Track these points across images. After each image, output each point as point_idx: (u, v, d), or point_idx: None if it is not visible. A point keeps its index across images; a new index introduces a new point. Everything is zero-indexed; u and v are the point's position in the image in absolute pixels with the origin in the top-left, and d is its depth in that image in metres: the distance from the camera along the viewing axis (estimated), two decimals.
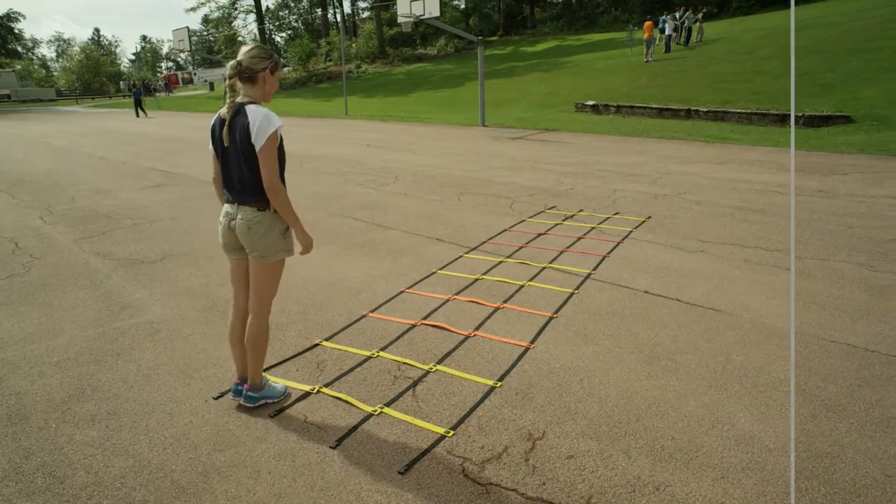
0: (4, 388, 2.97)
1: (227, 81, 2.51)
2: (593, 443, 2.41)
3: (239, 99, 2.49)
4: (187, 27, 30.42)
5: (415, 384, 2.91)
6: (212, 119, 2.61)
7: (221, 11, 55.91)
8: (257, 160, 2.45)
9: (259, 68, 2.49)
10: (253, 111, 2.43)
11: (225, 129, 2.49)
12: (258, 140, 2.41)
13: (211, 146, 2.64)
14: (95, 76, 68.40)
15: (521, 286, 4.21)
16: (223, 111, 2.51)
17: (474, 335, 3.43)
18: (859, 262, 4.48)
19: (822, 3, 27.94)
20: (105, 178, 9.81)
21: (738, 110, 14.21)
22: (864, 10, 22.24)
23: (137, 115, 27.69)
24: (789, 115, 13.18)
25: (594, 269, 4.51)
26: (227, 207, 2.64)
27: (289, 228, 2.63)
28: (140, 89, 29.46)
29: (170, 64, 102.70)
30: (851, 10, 23.16)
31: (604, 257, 4.80)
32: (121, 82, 69.15)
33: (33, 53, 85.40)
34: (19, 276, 4.75)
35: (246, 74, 2.48)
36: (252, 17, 55.50)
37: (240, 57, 2.49)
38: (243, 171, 2.50)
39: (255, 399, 2.73)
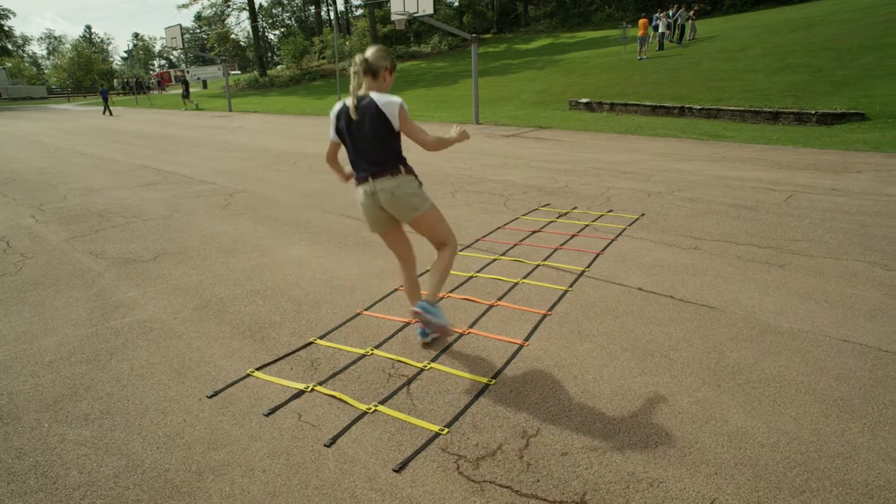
0: None
1: (354, 71, 2.92)
2: (587, 439, 2.42)
3: (361, 91, 2.93)
4: (179, 25, 30.27)
5: (409, 382, 2.91)
6: (334, 110, 3.02)
7: (214, 9, 55.68)
8: (388, 136, 2.90)
9: (381, 66, 2.92)
10: (377, 96, 2.88)
11: (352, 110, 2.89)
12: (394, 119, 2.86)
13: (333, 132, 3.03)
14: (87, 74, 67.99)
15: (515, 284, 4.21)
16: (348, 100, 2.92)
17: (468, 333, 3.44)
18: (873, 261, 4.48)
19: None
20: (97, 176, 9.75)
21: (731, 108, 14.25)
22: (875, 7, 22.33)
23: (103, 113, 28.58)
24: (782, 113, 13.24)
25: (588, 267, 4.52)
26: (363, 187, 3.00)
27: (421, 184, 3.07)
28: (107, 89, 30.85)
29: (162, 62, 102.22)
30: (862, 7, 23.24)
31: (598, 255, 4.81)
32: (114, 80, 68.75)
33: (24, 51, 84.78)
34: (11, 275, 4.72)
35: (371, 70, 2.91)
36: (245, 14, 55.31)
37: (366, 55, 2.92)
38: (376, 147, 2.92)
39: (433, 312, 3.06)
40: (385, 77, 2.94)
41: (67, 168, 10.77)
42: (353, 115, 2.88)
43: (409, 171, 3.02)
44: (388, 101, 2.84)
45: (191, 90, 34.72)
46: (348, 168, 3.19)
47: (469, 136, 3.20)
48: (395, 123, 2.87)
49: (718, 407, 2.63)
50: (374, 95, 2.87)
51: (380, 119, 2.85)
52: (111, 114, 28.83)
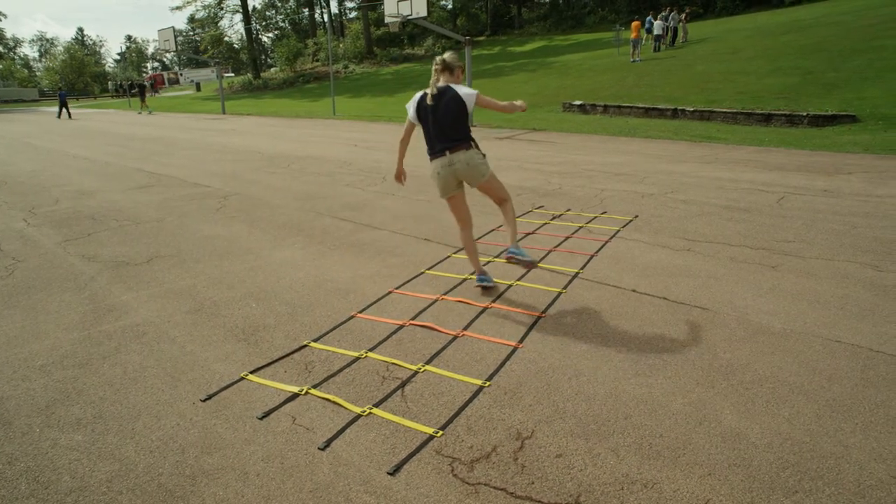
0: None
1: (434, 69, 3.83)
2: (581, 441, 2.42)
3: (440, 84, 3.78)
4: (173, 27, 30.03)
5: (403, 384, 2.91)
6: (414, 99, 3.85)
7: (207, 11, 55.50)
8: (462, 117, 3.75)
9: (455, 65, 3.83)
10: (458, 87, 3.75)
11: (429, 97, 3.74)
12: (469, 102, 3.72)
13: (414, 115, 3.85)
14: (80, 76, 67.66)
15: (510, 286, 4.22)
16: (429, 90, 3.76)
17: (462, 335, 3.44)
18: (864, 262, 4.51)
19: (825, 2, 28.22)
20: (90, 179, 9.71)
21: (724, 110, 14.34)
22: (867, 10, 22.48)
23: (59, 116, 28.57)
24: (774, 115, 13.33)
25: (582, 269, 4.53)
26: (440, 161, 3.82)
27: (485, 155, 3.91)
28: (65, 91, 30.77)
29: (155, 64, 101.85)
30: (854, 9, 23.40)
31: (591, 256, 4.82)
32: (108, 82, 68.47)
33: (15, 53, 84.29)
34: (2, 278, 4.69)
35: (448, 68, 3.81)
36: (238, 16, 55.12)
37: (444, 56, 3.82)
38: (455, 127, 3.76)
39: (520, 253, 3.90)
40: (458, 74, 3.84)
41: (59, 171, 10.71)
42: (430, 101, 3.72)
43: (476, 145, 3.87)
44: (467, 92, 3.72)
45: (147, 95, 34.67)
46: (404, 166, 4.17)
47: (525, 109, 3.96)
48: (470, 106, 3.72)
49: (712, 408, 2.64)
50: (455, 86, 3.75)
51: (458, 103, 3.70)
52: (70, 116, 28.66)
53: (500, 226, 5.86)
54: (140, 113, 31.19)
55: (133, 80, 59.31)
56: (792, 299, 3.84)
